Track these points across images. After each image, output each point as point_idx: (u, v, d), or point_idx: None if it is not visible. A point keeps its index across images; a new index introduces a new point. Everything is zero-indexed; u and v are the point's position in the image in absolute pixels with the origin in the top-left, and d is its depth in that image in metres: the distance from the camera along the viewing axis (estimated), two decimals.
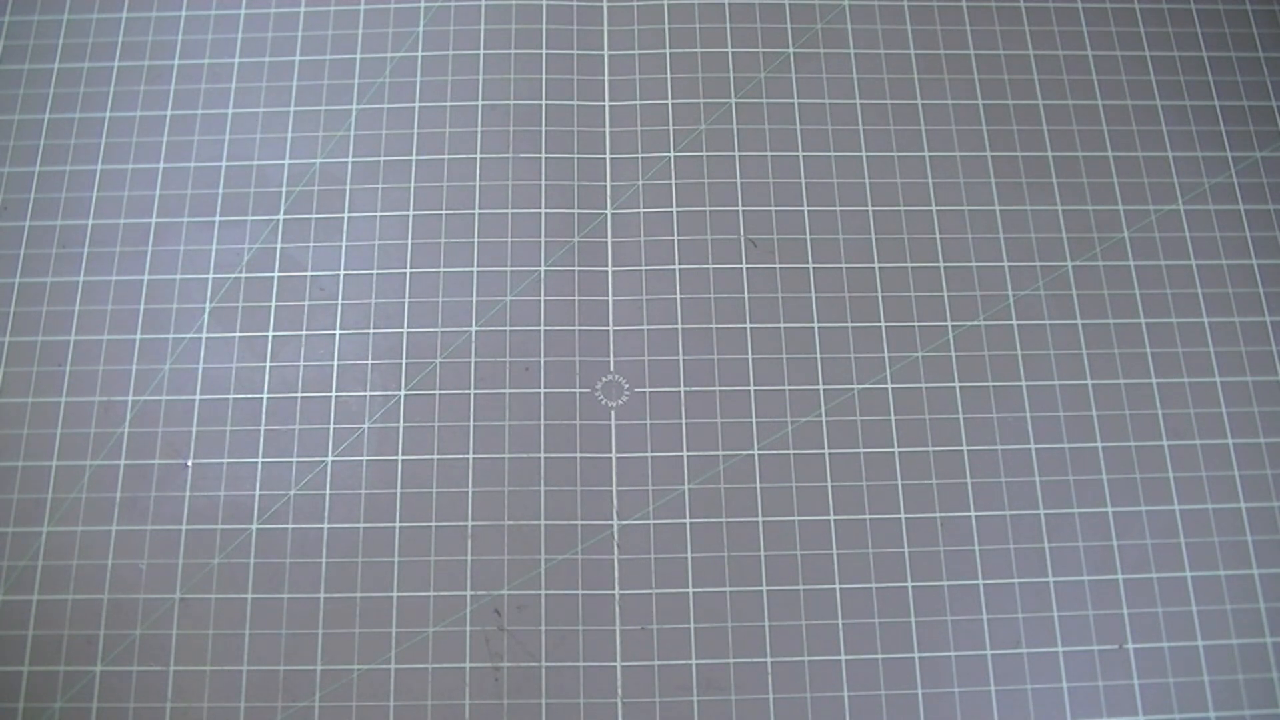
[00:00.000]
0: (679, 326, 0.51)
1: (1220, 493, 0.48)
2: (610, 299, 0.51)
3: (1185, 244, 0.52)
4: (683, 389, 0.50)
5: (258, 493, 0.48)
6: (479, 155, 0.53)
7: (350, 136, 0.54)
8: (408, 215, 0.52)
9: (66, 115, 0.54)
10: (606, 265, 0.52)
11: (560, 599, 0.47)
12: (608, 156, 0.54)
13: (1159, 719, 0.46)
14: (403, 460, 0.49)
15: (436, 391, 0.50)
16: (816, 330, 0.51)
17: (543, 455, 0.49)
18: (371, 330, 0.51)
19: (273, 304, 0.51)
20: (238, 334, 0.51)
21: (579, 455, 0.49)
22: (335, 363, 0.50)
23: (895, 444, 0.49)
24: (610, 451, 0.49)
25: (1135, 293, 0.51)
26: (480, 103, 0.54)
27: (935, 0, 0.57)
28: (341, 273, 0.52)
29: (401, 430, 0.49)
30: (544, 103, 0.54)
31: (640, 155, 0.54)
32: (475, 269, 0.52)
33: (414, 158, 0.53)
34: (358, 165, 0.53)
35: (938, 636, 0.46)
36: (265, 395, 0.50)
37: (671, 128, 0.54)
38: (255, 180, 0.53)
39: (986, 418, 0.49)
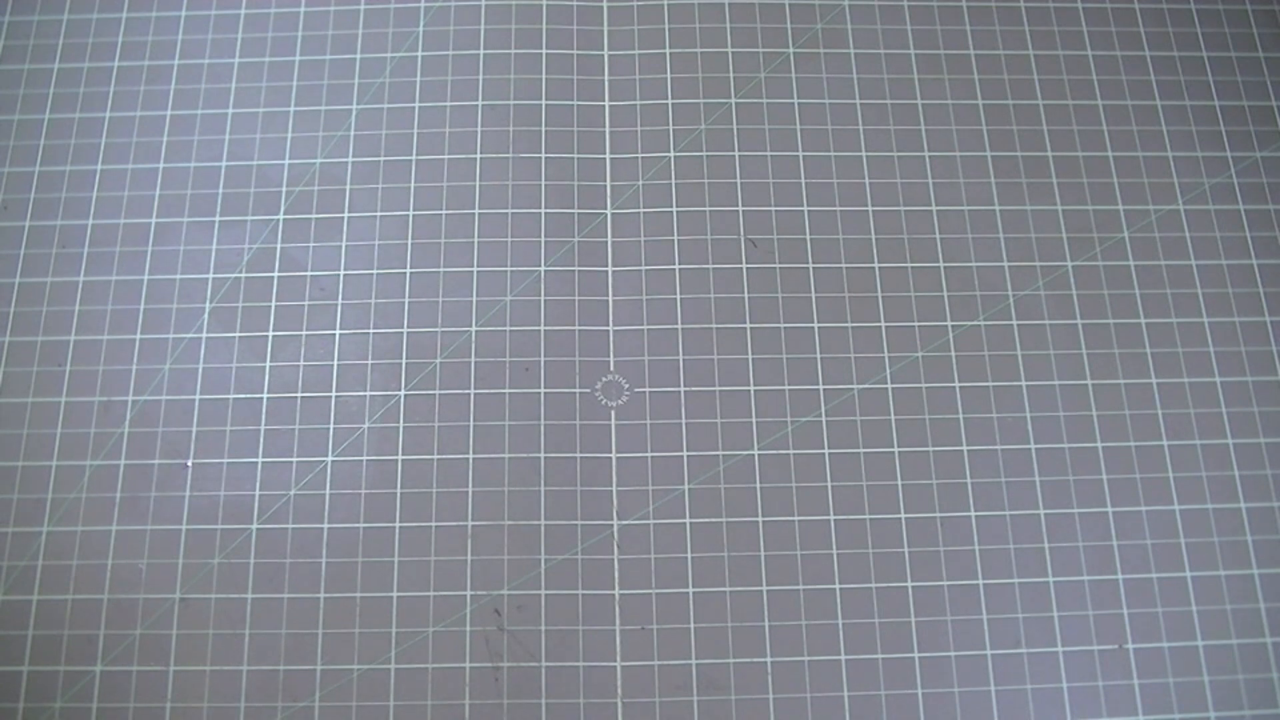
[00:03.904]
0: (679, 326, 0.51)
1: (1220, 493, 0.48)
2: (610, 299, 0.51)
3: (1185, 244, 0.52)
4: (683, 389, 0.50)
5: (258, 493, 0.48)
6: (479, 155, 0.53)
7: (350, 136, 0.54)
8: (408, 215, 0.52)
9: (66, 115, 0.54)
10: (606, 265, 0.52)
11: (560, 599, 0.47)
12: (608, 156, 0.54)
13: (1159, 719, 0.46)
14: (403, 460, 0.49)
15: (436, 391, 0.50)
16: (816, 330, 0.51)
17: (543, 455, 0.49)
18: (371, 330, 0.51)
19: (273, 304, 0.51)
20: (238, 334, 0.51)
21: (579, 455, 0.49)
22: (335, 363, 0.50)
23: (895, 444, 0.49)
24: (610, 451, 0.49)
25: (1135, 293, 0.51)
26: (480, 103, 0.54)
27: (935, 0, 0.57)
28: (341, 273, 0.52)
29: (401, 430, 0.49)
30: (544, 103, 0.54)
31: (640, 155, 0.54)
32: (475, 269, 0.51)
33: (414, 158, 0.53)
34: (358, 165, 0.53)
35: (938, 636, 0.46)
36: (265, 395, 0.50)
37: (671, 128, 0.54)
38: (255, 180, 0.53)
39: (986, 418, 0.49)
